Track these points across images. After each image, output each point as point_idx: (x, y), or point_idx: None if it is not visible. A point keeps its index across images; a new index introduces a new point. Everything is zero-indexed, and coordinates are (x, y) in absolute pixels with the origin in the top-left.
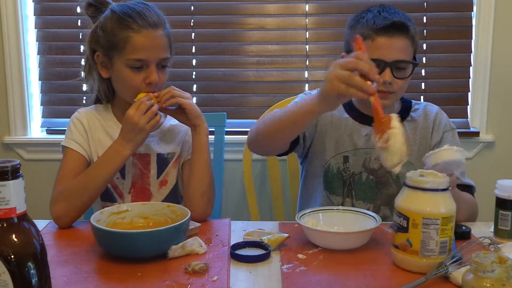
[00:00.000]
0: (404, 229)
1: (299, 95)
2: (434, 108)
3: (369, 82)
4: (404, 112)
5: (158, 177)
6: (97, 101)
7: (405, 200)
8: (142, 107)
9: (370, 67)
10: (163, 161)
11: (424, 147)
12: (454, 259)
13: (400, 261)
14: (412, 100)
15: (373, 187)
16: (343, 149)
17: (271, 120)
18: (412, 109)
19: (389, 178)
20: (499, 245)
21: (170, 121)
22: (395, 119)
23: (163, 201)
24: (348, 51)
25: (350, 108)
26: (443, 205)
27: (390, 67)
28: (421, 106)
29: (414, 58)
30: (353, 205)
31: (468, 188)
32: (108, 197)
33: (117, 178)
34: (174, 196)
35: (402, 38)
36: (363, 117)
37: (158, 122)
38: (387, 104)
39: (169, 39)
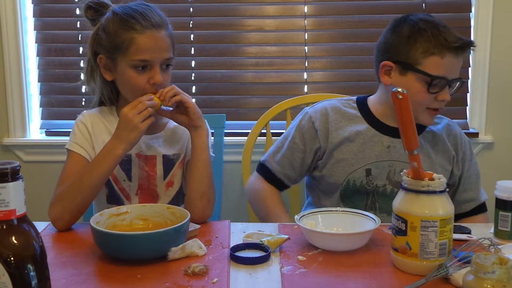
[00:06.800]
0: (403, 232)
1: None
2: (457, 129)
3: None
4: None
5: (164, 179)
6: (101, 103)
7: (403, 203)
8: (140, 107)
9: None
10: (169, 162)
11: (446, 161)
12: (454, 261)
13: (400, 264)
14: None
15: None
16: (365, 162)
17: (260, 211)
18: None
19: None
20: (499, 246)
21: (175, 122)
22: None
23: (169, 202)
24: (394, 61)
25: (369, 117)
26: (441, 207)
27: (448, 85)
28: (444, 122)
29: None
30: None
31: (482, 206)
32: (115, 200)
33: (124, 180)
34: (180, 197)
35: (464, 56)
36: (384, 128)
37: (153, 121)
38: (432, 124)
39: (171, 39)
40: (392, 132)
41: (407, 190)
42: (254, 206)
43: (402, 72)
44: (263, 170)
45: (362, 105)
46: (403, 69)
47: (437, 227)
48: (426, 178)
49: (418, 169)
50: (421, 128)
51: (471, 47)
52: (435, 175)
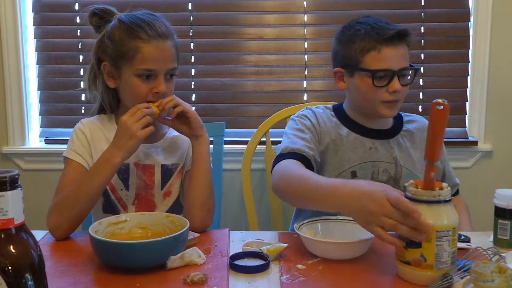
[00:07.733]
0: (417, 244)
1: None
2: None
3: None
4: (398, 122)
5: (162, 188)
6: (100, 111)
7: None
8: (138, 114)
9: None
10: (167, 172)
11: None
12: (459, 269)
13: (412, 277)
14: (399, 112)
15: None
16: (350, 165)
17: (297, 189)
18: (405, 120)
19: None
20: (503, 254)
21: (174, 132)
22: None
23: (166, 212)
24: (342, 66)
25: (347, 122)
26: (453, 215)
27: (397, 76)
28: (419, 120)
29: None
30: None
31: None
32: (111, 209)
33: (121, 189)
34: (177, 207)
35: (403, 45)
36: (364, 130)
37: (152, 131)
38: (395, 114)
39: (176, 50)
40: (372, 134)
41: (418, 201)
42: (285, 185)
43: (350, 74)
44: (281, 158)
45: (338, 111)
46: (350, 71)
47: (450, 236)
48: (437, 188)
49: (433, 179)
50: (398, 129)
51: (406, 35)
52: (443, 184)
